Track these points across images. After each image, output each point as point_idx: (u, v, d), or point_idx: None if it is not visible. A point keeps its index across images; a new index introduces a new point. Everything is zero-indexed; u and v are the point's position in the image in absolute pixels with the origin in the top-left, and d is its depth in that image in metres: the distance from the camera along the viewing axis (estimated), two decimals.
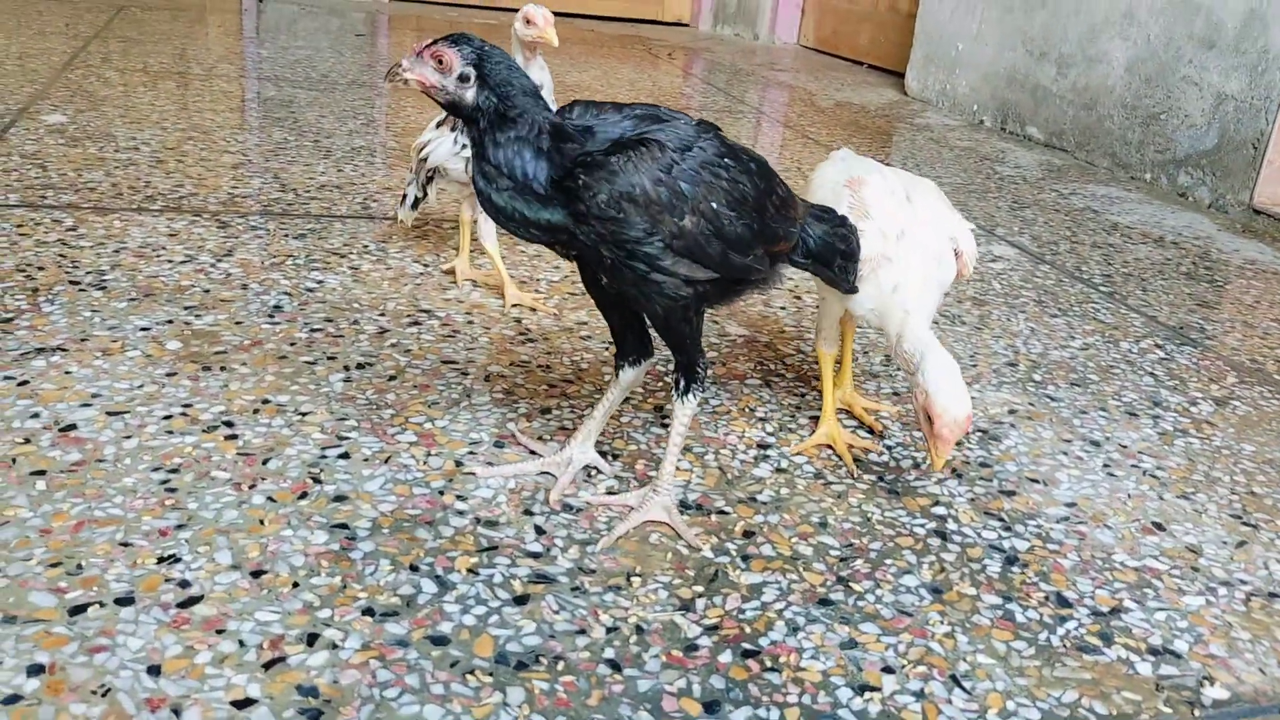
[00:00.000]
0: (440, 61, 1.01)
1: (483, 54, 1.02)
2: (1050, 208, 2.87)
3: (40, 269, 1.66)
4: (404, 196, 1.77)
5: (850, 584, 1.10)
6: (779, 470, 1.32)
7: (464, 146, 1.63)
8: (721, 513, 1.21)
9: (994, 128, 3.96)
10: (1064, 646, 1.05)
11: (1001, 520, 1.27)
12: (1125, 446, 1.50)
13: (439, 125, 1.69)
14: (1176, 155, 3.15)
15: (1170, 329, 2.01)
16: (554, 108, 1.11)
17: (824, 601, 1.07)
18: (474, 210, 1.75)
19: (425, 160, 1.68)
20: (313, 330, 1.56)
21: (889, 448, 1.42)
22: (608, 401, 1.27)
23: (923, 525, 1.24)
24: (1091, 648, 1.05)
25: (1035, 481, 1.37)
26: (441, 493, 1.19)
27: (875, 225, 1.28)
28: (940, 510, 1.27)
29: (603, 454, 1.31)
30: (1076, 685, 0.99)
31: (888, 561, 1.15)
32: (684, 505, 1.22)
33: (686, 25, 6.26)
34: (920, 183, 1.38)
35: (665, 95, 3.97)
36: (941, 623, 1.06)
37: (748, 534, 1.17)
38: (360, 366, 1.46)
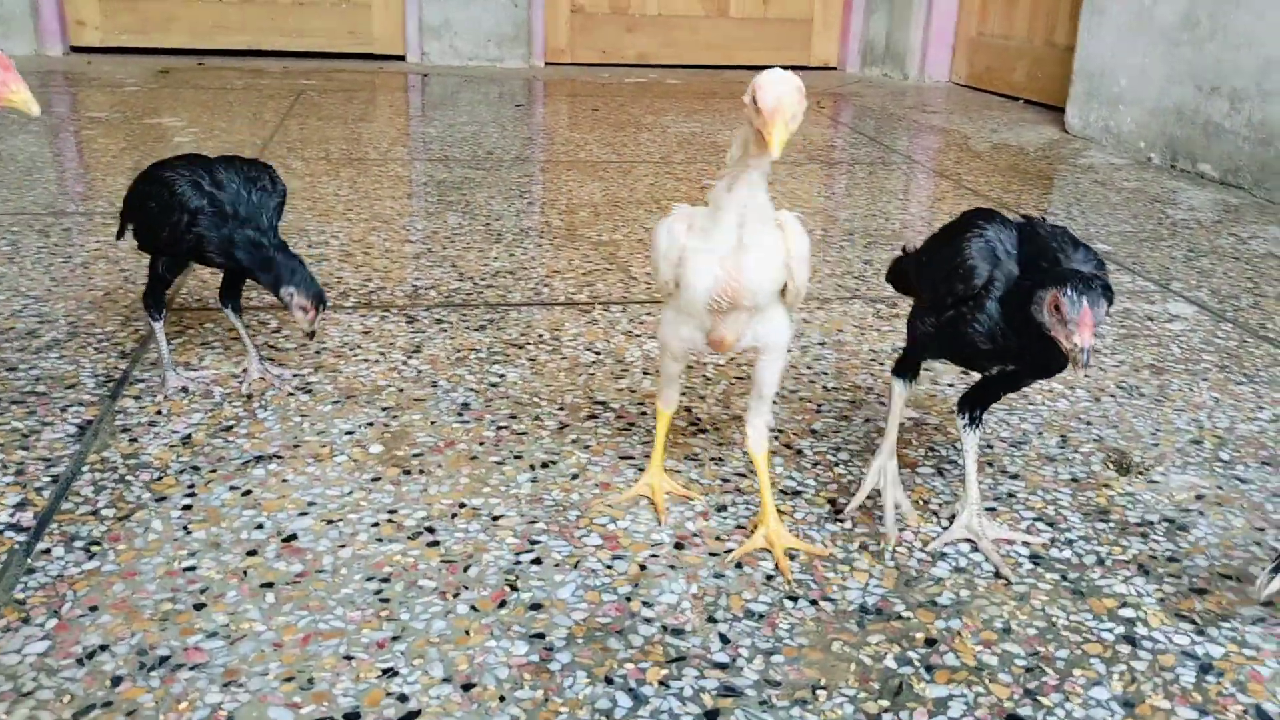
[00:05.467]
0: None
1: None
2: (1229, 255, 2.76)
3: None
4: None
5: (1038, 697, 1.11)
6: (958, 569, 1.33)
7: None
8: (901, 618, 1.23)
9: (1163, 165, 3.82)
10: None
11: (1194, 623, 1.24)
12: None
13: None
14: None
15: None
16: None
17: (1012, 717, 1.08)
18: None
19: None
20: (499, 428, 1.65)
21: (1070, 542, 1.40)
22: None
23: (1110, 630, 1.22)
24: None
25: (1228, 578, 1.34)
26: (629, 599, 1.25)
27: None
28: (1129, 612, 1.26)
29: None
30: None
31: (1075, 672, 1.15)
32: (863, 609, 1.24)
33: (834, 69, 6.27)
34: None
35: (815, 148, 4.00)
36: None
37: (930, 642, 1.19)
38: (544, 465, 1.55)
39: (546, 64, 5.90)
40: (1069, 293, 1.11)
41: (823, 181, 3.55)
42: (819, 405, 1.79)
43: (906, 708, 1.08)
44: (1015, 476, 1.58)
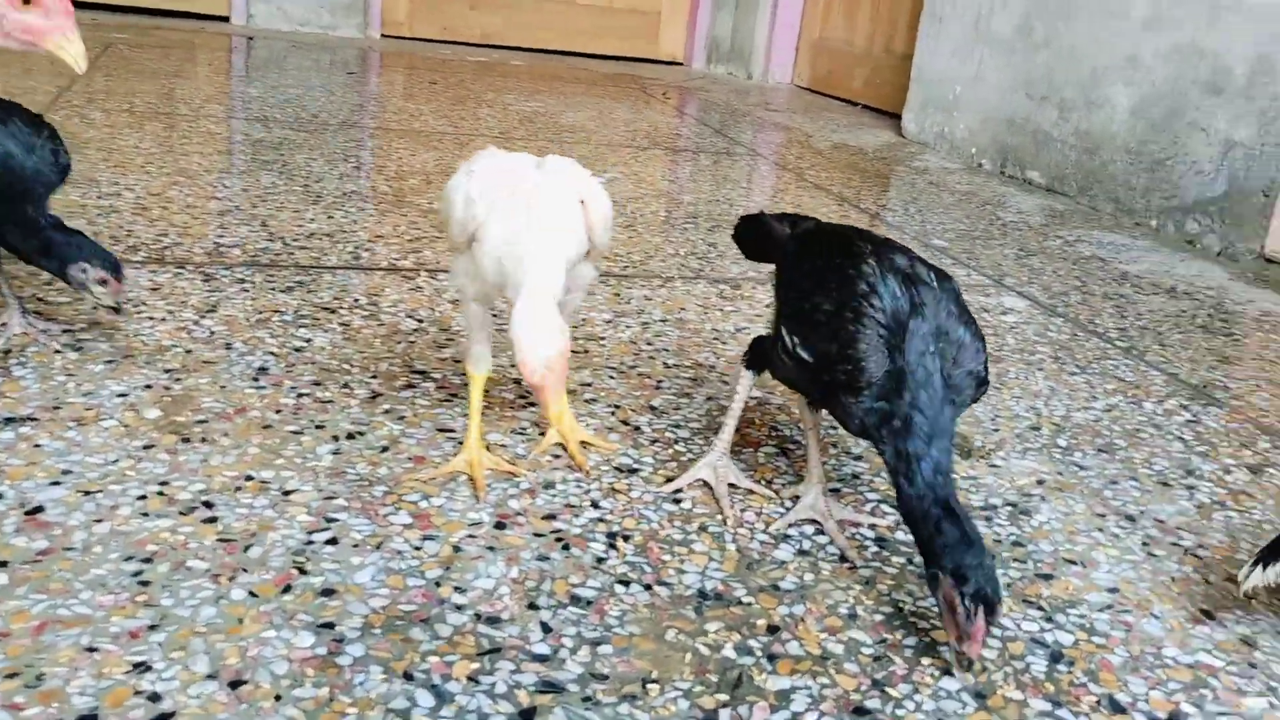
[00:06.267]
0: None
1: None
2: (1057, 256, 2.80)
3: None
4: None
5: (886, 688, 1.01)
6: (801, 553, 1.23)
7: None
8: (742, 603, 1.12)
9: (993, 171, 3.91)
10: None
11: (1041, 609, 1.18)
12: (1162, 521, 1.42)
13: None
14: (1184, 202, 3.10)
15: (1193, 388, 1.93)
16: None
17: (860, 710, 0.98)
18: None
19: None
20: (300, 395, 1.47)
21: None
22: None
23: None
24: None
25: (1073, 563, 1.29)
26: (438, 584, 1.09)
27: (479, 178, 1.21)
28: None
29: (613, 534, 1.22)
30: None
31: (924, 660, 1.06)
32: (701, 594, 1.13)
33: (680, 64, 6.23)
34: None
35: (661, 136, 3.91)
36: None
37: (772, 629, 1.08)
38: (350, 436, 1.37)
39: (383, 36, 5.63)
40: (967, 603, 0.98)
41: (667, 167, 3.46)
42: (659, 382, 1.67)
43: (746, 701, 0.97)
44: (859, 458, 1.50)
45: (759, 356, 1.31)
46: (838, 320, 1.11)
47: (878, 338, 1.08)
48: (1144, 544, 1.35)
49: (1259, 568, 1.11)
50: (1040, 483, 1.49)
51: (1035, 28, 3.70)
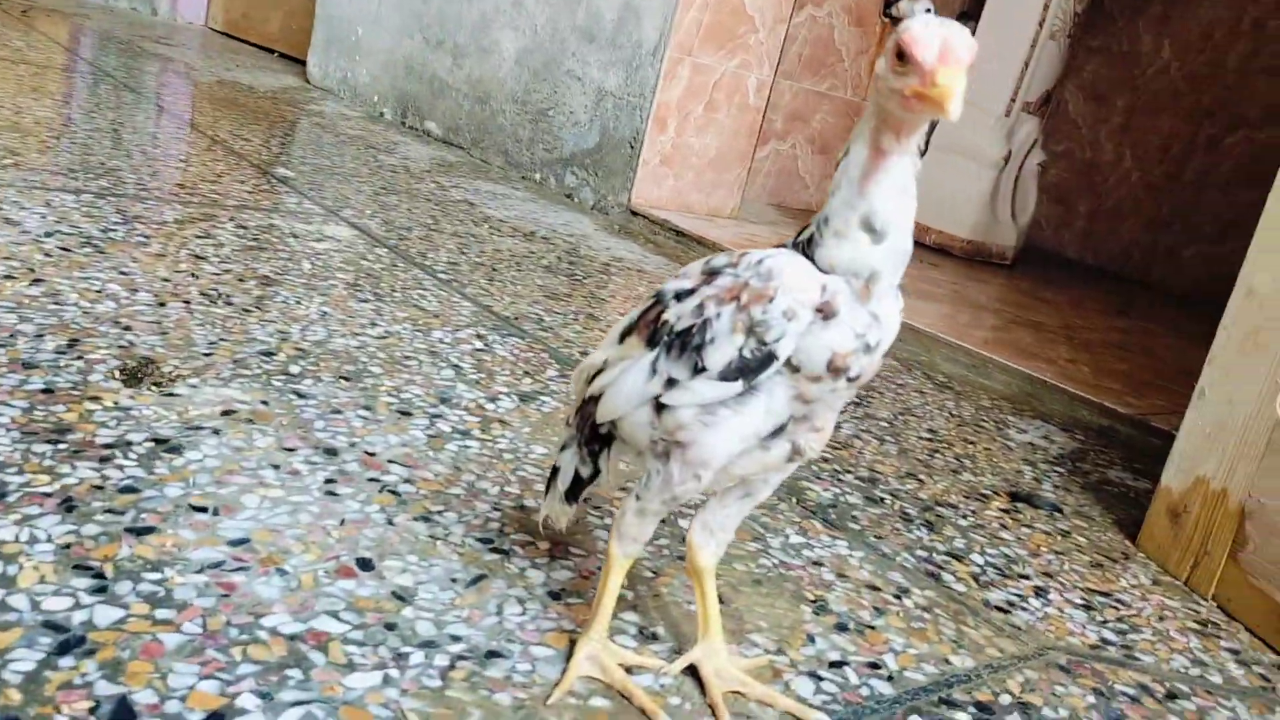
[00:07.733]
0: None
1: None
2: (423, 197, 2.52)
3: None
4: (552, 473, 0.87)
5: None
6: None
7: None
8: None
9: (395, 121, 3.60)
10: None
11: (93, 574, 0.78)
12: (374, 454, 1.10)
13: (625, 335, 0.78)
14: (563, 154, 2.98)
15: (502, 319, 1.69)
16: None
17: None
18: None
19: (599, 403, 0.79)
20: None
21: None
22: None
23: None
24: None
25: (202, 510, 0.91)
26: None
27: None
28: None
29: None
30: None
31: None
32: None
33: None
34: None
35: None
36: None
37: None
38: None
39: None
40: None
41: None
42: None
43: None
44: None
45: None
46: None
47: None
48: (329, 481, 1.02)
49: (548, 494, 0.89)
50: (228, 413, 1.11)
51: None
